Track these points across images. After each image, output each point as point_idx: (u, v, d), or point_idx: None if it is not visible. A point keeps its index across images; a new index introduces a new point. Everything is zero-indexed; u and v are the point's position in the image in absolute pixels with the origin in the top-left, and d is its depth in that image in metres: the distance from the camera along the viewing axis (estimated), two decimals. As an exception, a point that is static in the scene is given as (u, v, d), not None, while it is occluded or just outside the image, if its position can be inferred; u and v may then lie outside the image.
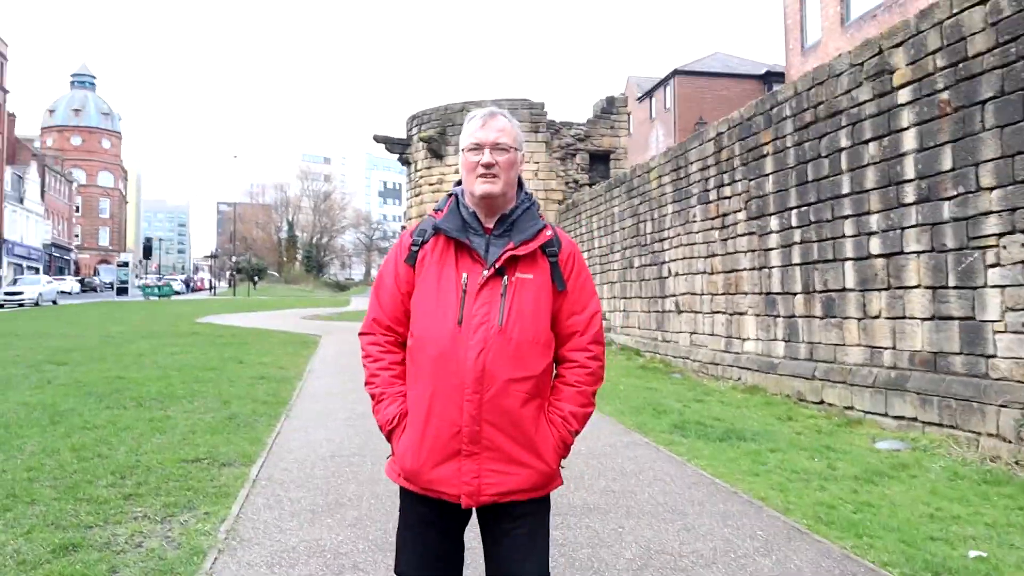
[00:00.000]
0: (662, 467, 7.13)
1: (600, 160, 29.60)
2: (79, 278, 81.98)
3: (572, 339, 2.78)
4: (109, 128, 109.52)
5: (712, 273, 15.30)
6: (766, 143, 13.02)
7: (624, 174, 21.14)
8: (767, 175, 12.99)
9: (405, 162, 32.15)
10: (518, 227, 2.74)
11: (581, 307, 2.79)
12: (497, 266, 2.66)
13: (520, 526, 2.67)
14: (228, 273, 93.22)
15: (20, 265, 70.28)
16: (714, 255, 15.16)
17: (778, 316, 12.65)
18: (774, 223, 12.75)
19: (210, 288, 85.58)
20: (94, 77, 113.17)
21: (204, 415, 9.30)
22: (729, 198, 14.43)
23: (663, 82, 45.71)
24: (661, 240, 18.09)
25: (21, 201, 72.12)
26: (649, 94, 47.61)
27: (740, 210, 14.00)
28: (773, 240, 12.79)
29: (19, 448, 7.39)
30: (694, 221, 16.13)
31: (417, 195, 30.98)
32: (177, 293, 71.24)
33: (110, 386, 11.16)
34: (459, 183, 2.88)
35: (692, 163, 16.24)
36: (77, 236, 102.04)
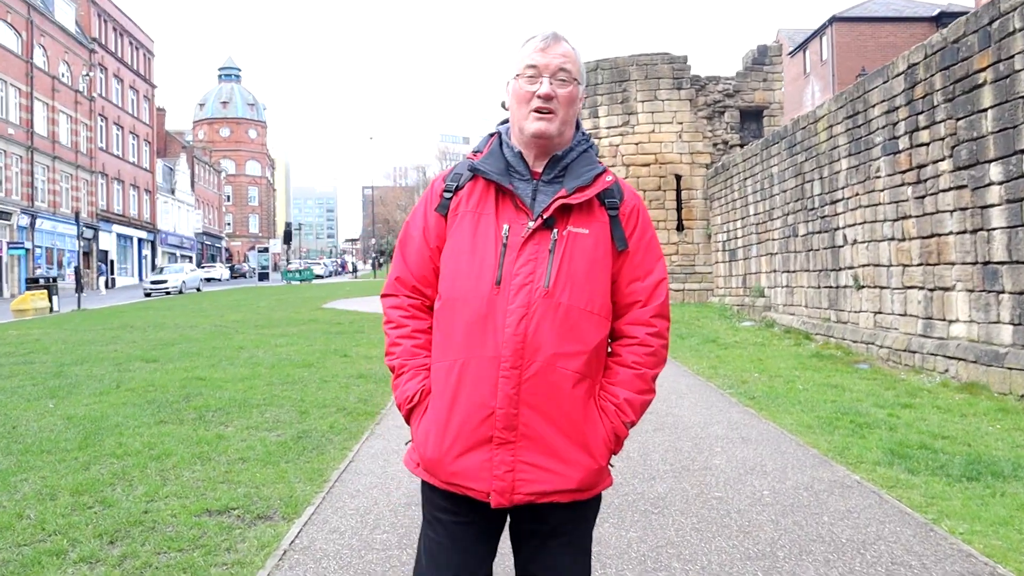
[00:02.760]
0: (894, 532, 4.64)
1: (751, 118, 26.49)
2: (229, 265, 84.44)
3: (631, 311, 2.33)
4: (255, 118, 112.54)
5: (903, 239, 12.42)
6: (982, 68, 10.08)
7: (785, 128, 18.22)
8: (984, 110, 10.06)
9: (536, 130, 29.97)
10: (572, 172, 2.31)
11: (644, 272, 2.34)
12: (545, 216, 2.23)
13: (559, 533, 2.27)
14: (372, 256, 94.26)
15: (174, 254, 72.65)
16: (906, 217, 12.26)
17: (1003, 292, 9.77)
18: (995, 172, 9.83)
19: (353, 271, 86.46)
20: (239, 70, 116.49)
21: (268, 432, 7.42)
22: (927, 144, 11.51)
23: (818, 32, 41.57)
24: (833, 202, 15.21)
25: (172, 192, 74.45)
26: (802, 46, 43.49)
27: (943, 159, 11.08)
28: (994, 194, 9.88)
29: (13, 487, 5.69)
30: (877, 177, 13.23)
31: (549, 165, 28.77)
32: (319, 277, 71.95)
33: (182, 391, 9.51)
34: (504, 121, 2.45)
35: (873, 106, 13.30)
36: (228, 224, 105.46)
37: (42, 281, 30.67)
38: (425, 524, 2.38)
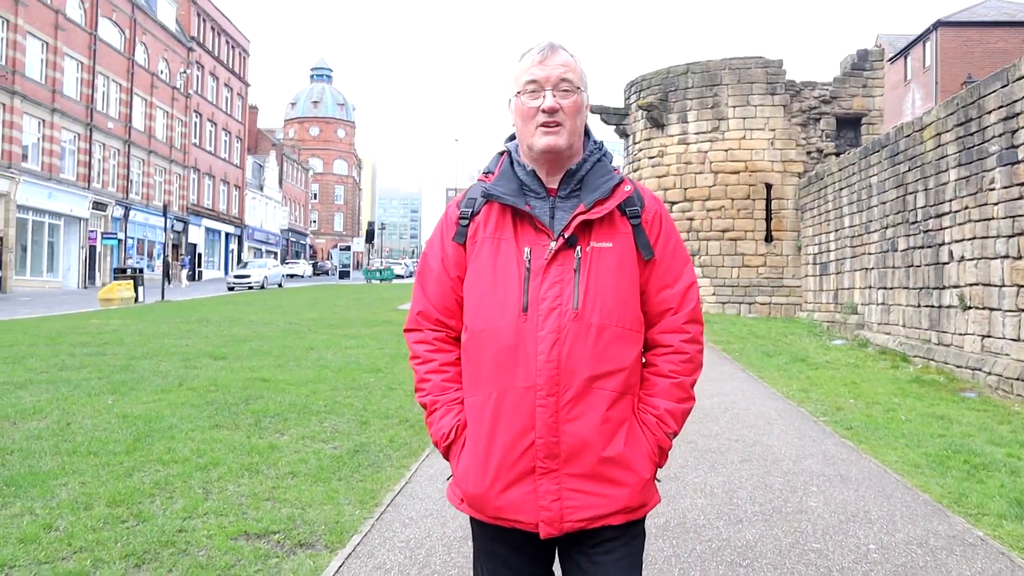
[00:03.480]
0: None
1: (848, 125, 25.26)
2: (312, 261, 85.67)
3: (664, 319, 2.29)
4: (344, 118, 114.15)
5: (1020, 257, 11.41)
6: (1121, 72, 9.09)
7: (886, 136, 17.17)
8: (1121, 118, 9.07)
9: (623, 134, 29.16)
10: (588, 184, 2.25)
11: (673, 278, 2.29)
12: (566, 235, 2.17)
13: (610, 554, 2.19)
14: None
15: (260, 249, 73.99)
16: (1023, 233, 11.25)
17: None
18: None
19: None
20: (331, 70, 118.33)
21: (324, 444, 7.01)
22: (1052, 155, 10.51)
23: (922, 37, 39.68)
24: (938, 216, 14.18)
25: (261, 188, 75.86)
26: (904, 52, 41.60)
27: (1071, 171, 10.08)
28: None
29: (51, 492, 5.38)
30: (991, 189, 12.21)
31: (635, 170, 27.96)
32: (399, 276, 72.30)
33: (243, 392, 9.20)
34: (511, 137, 2.38)
35: (990, 112, 12.29)
36: (314, 222, 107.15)
37: (129, 272, 31.23)
38: (478, 554, 2.35)
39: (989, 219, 12.31)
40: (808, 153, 24.90)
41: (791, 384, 11.12)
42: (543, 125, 2.21)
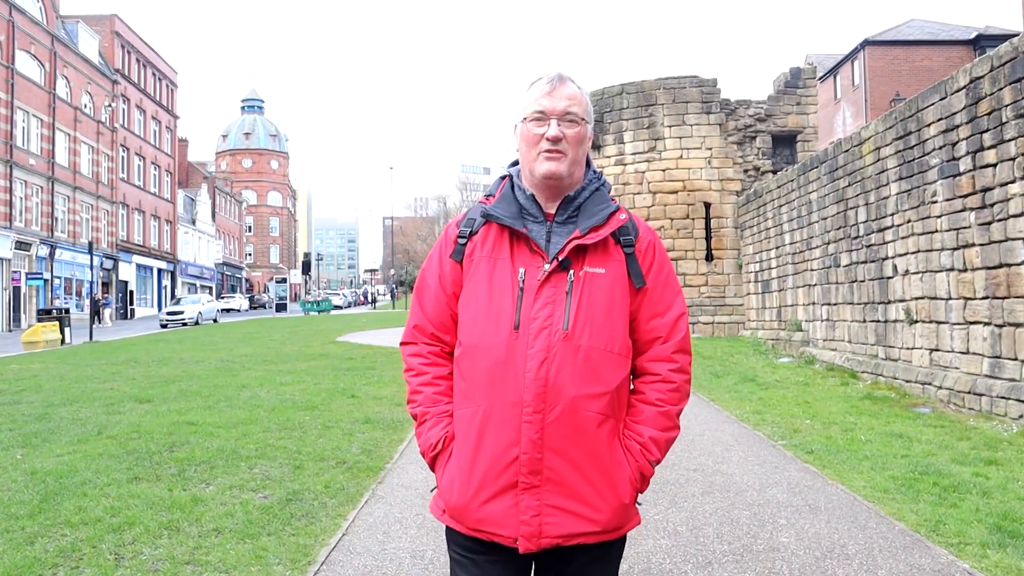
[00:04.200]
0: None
1: (784, 143, 25.41)
2: (249, 295, 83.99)
3: (653, 347, 2.33)
4: (277, 149, 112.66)
5: (965, 270, 11.33)
6: (1060, 80, 9.03)
7: (825, 151, 17.18)
8: (1063, 126, 9.01)
9: (559, 157, 28.98)
10: (585, 211, 2.33)
11: (664, 307, 2.34)
12: (561, 258, 2.25)
13: (586, 573, 2.27)
14: (391, 286, 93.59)
15: (194, 284, 72.12)
16: (968, 245, 11.18)
17: (1090, 328, 8.65)
18: (1078, 194, 8.74)
19: (372, 301, 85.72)
20: (262, 101, 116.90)
21: (255, 493, 6.42)
22: (994, 165, 10.45)
23: (850, 56, 40.42)
24: (881, 230, 14.13)
25: (193, 223, 74.11)
26: (833, 71, 42.34)
27: (1014, 180, 10.02)
28: (1077, 218, 8.79)
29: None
30: (934, 202, 12.15)
31: (573, 193, 27.75)
32: (337, 307, 71.19)
33: (167, 439, 8.52)
34: (515, 163, 2.47)
35: (929, 125, 12.26)
36: (249, 255, 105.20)
37: (54, 312, 29.91)
38: (454, 564, 2.34)
39: (933, 232, 12.24)
40: (745, 171, 24.97)
41: (744, 406, 10.81)
42: (546, 152, 2.28)
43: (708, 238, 25.09)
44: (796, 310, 19.30)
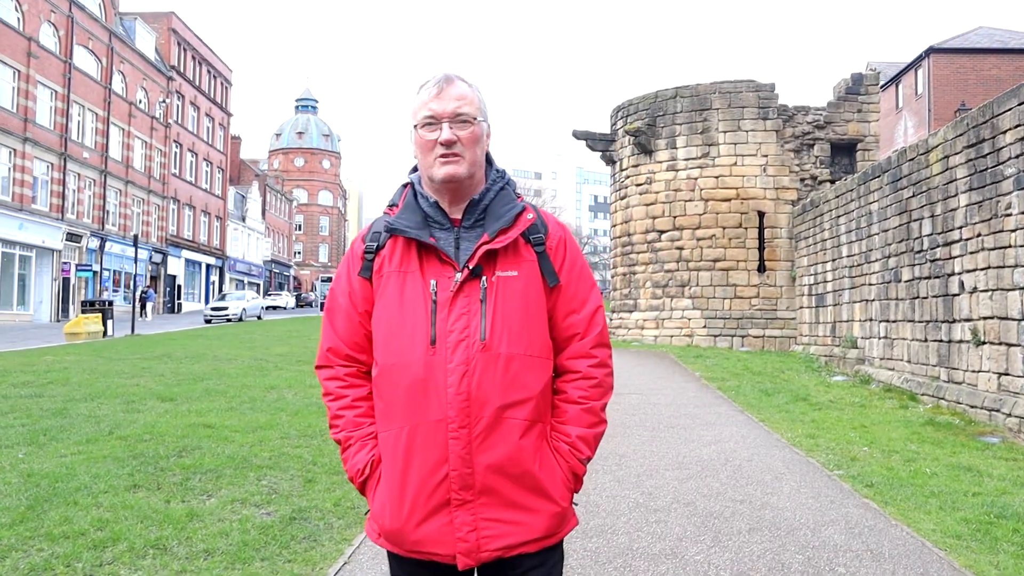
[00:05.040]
0: None
1: (843, 152, 24.43)
2: (296, 293, 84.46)
3: (571, 344, 2.33)
4: (329, 149, 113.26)
5: (1042, 289, 10.46)
6: None
7: (888, 160, 16.30)
8: None
9: (610, 161, 28.26)
10: (492, 213, 2.30)
11: (580, 303, 2.33)
12: (471, 266, 2.22)
13: None
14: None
15: (242, 280, 72.71)
16: (1047, 262, 10.31)
17: None
18: None
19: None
20: (316, 101, 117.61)
21: (258, 508, 5.91)
22: (1079, 176, 9.58)
23: (913, 64, 39.12)
24: (947, 244, 13.25)
25: (243, 219, 74.73)
26: (895, 80, 41.02)
27: (1101, 192, 9.16)
28: None
29: None
30: (1007, 214, 11.30)
31: (622, 198, 27.04)
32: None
33: (179, 442, 8.07)
34: (415, 169, 2.41)
35: (1005, 132, 11.41)
36: (298, 253, 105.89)
37: (97, 304, 30.01)
38: None
39: (1006, 247, 11.38)
40: (802, 180, 24.04)
41: (796, 428, 10.07)
42: (441, 156, 2.23)
43: (761, 248, 24.20)
44: (852, 326, 18.40)
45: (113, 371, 14.70)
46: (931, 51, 37.34)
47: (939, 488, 6.90)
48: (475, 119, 2.28)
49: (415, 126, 2.30)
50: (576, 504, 2.34)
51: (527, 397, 2.19)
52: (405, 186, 2.40)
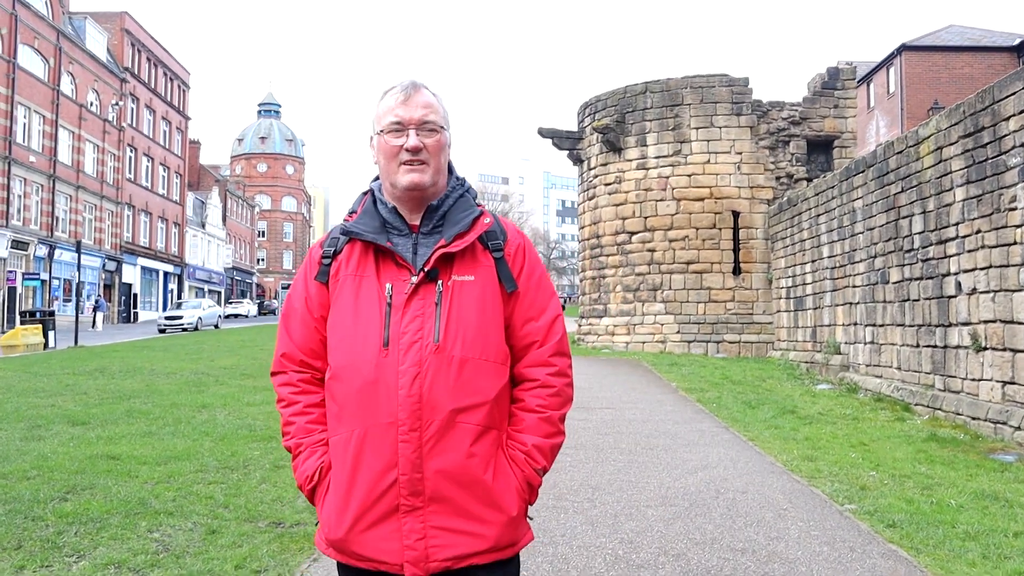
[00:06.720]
0: None
1: (819, 149, 23.54)
2: (259, 301, 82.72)
3: (529, 352, 2.30)
4: (292, 154, 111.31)
5: (1054, 289, 9.47)
6: None
7: (873, 153, 15.31)
8: None
9: (577, 160, 27.14)
10: (450, 219, 2.29)
11: (538, 311, 2.31)
12: (427, 269, 2.21)
13: None
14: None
15: (202, 288, 70.80)
16: (1060, 259, 9.33)
17: None
18: None
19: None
20: (279, 105, 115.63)
21: (151, 571, 4.66)
22: (1098, 163, 8.59)
23: (886, 62, 38.49)
24: (941, 242, 12.28)
25: (203, 226, 72.76)
26: (867, 78, 40.31)
27: None
28: None
29: None
30: (1012, 208, 10.33)
31: (591, 198, 25.94)
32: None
33: (70, 480, 6.78)
34: (376, 178, 2.42)
35: (1008, 119, 10.44)
36: (261, 260, 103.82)
37: (38, 315, 28.36)
38: None
39: (1010, 244, 10.40)
40: (777, 178, 23.11)
41: (790, 448, 8.93)
42: (406, 163, 2.24)
43: (736, 250, 23.20)
44: (834, 331, 17.42)
45: (32, 389, 13.30)
46: (903, 49, 36.70)
47: (972, 526, 5.78)
48: (441, 128, 2.29)
49: (380, 131, 2.30)
50: (531, 518, 2.29)
51: (481, 402, 2.15)
52: (365, 193, 2.39)
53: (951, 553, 5.20)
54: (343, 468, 2.15)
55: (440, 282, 2.19)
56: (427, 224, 2.27)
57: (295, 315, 2.33)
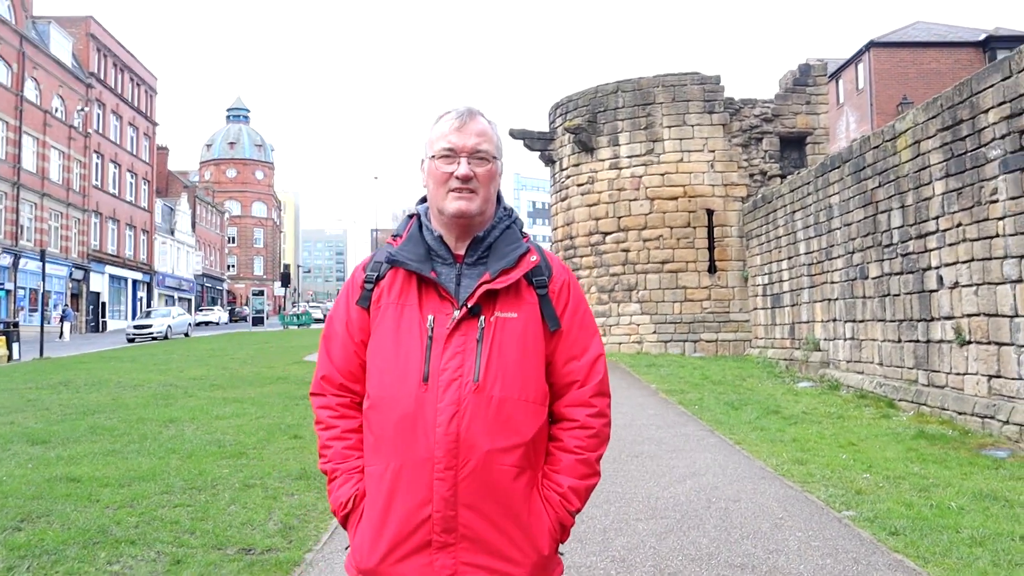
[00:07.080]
0: None
1: (792, 145, 23.45)
2: (230, 308, 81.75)
3: (570, 392, 2.28)
4: (262, 159, 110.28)
5: (1038, 282, 9.34)
6: None
7: (850, 148, 15.18)
8: None
9: (548, 161, 26.87)
10: (496, 252, 2.26)
11: (581, 350, 2.28)
12: (470, 304, 2.17)
13: None
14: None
15: (172, 296, 69.77)
16: (1044, 252, 9.19)
17: None
18: None
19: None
20: (248, 111, 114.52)
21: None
22: (1082, 154, 8.45)
23: (854, 58, 38.64)
24: (921, 236, 12.15)
25: (172, 233, 71.76)
26: (836, 74, 40.43)
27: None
28: None
29: None
30: (993, 201, 10.20)
31: (563, 200, 25.69)
32: (318, 321, 68.72)
33: (25, 507, 6.38)
34: (423, 200, 2.39)
35: (987, 111, 10.31)
36: (232, 267, 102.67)
37: (2, 326, 27.63)
38: None
39: (991, 237, 10.28)
40: (751, 176, 22.98)
41: (778, 451, 8.71)
42: (455, 191, 2.21)
43: (711, 248, 23.05)
44: (813, 327, 17.28)
45: (-8, 405, 12.81)
46: (872, 45, 36.85)
47: (977, 531, 5.56)
48: (493, 157, 2.27)
49: (431, 156, 2.27)
50: (562, 554, 2.26)
51: (518, 443, 2.13)
52: (411, 217, 2.37)
53: (960, 562, 4.97)
54: (377, 499, 2.15)
55: (483, 318, 2.17)
56: (472, 255, 2.25)
57: (336, 338, 2.33)
